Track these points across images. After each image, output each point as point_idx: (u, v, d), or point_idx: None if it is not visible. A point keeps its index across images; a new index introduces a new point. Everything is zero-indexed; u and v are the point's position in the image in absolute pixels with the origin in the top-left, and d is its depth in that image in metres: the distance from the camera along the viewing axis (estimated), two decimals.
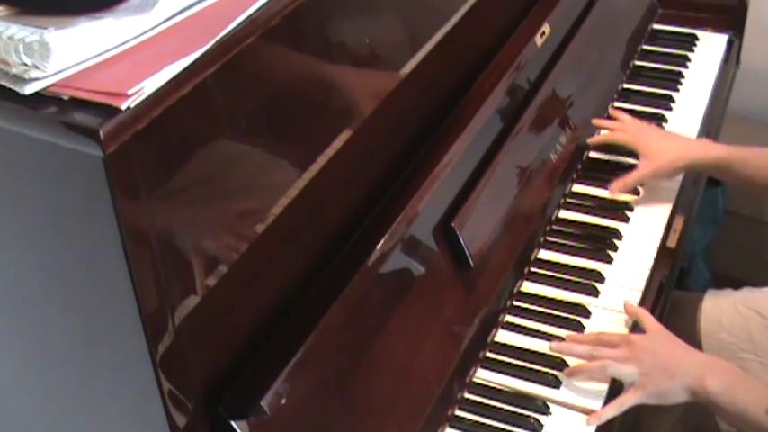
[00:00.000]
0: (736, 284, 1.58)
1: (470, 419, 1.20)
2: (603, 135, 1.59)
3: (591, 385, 1.23)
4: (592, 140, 1.60)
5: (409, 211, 1.16)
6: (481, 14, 1.34)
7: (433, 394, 1.17)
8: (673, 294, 1.52)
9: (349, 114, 1.06)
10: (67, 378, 0.98)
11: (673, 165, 1.50)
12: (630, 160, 1.58)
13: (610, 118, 1.64)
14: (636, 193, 1.54)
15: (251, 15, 0.84)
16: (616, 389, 1.23)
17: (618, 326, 1.32)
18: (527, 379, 1.25)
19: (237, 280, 0.92)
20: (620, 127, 1.58)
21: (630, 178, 1.50)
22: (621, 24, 1.84)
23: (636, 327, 1.30)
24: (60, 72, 0.75)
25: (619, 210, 1.51)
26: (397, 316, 1.14)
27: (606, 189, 1.53)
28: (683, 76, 1.81)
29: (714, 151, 1.50)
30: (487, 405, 1.22)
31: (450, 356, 1.21)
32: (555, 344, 1.27)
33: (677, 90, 1.78)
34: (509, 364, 1.27)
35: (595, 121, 1.61)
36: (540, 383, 1.24)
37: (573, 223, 1.49)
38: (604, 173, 1.58)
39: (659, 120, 1.70)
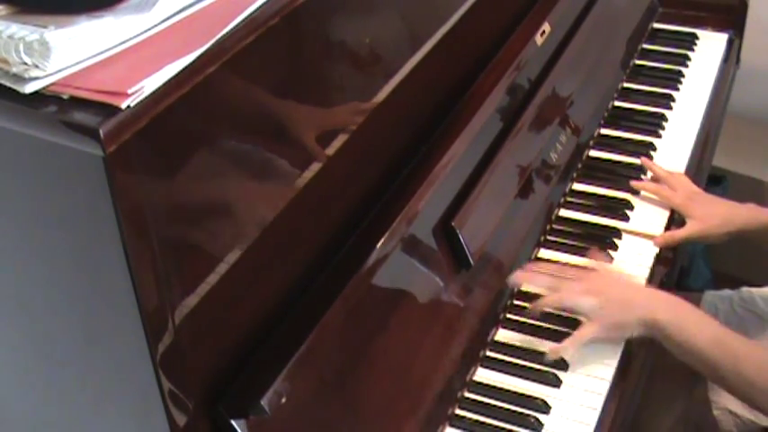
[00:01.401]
0: (737, 284, 1.58)
1: (470, 418, 1.20)
2: (652, 188, 1.54)
3: (591, 385, 1.24)
4: (639, 185, 1.55)
5: (409, 210, 1.16)
6: (481, 14, 1.34)
7: (433, 393, 1.17)
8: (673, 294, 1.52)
9: (349, 113, 1.06)
10: (68, 377, 0.98)
11: (719, 229, 1.48)
12: (632, 159, 1.58)
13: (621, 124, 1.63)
14: (636, 192, 1.54)
15: (251, 14, 0.84)
16: (618, 389, 1.24)
17: None
18: (527, 378, 1.25)
19: (238, 279, 0.92)
20: (670, 188, 1.53)
21: (678, 235, 1.47)
22: (622, 23, 1.84)
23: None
24: (60, 71, 0.75)
25: (619, 209, 1.51)
26: (397, 315, 1.15)
27: (606, 188, 1.54)
28: (683, 76, 1.81)
29: (763, 215, 1.49)
30: (488, 404, 1.22)
31: (450, 355, 1.21)
32: (517, 273, 1.31)
33: (677, 89, 1.77)
34: (509, 362, 1.27)
35: (644, 161, 1.58)
36: (541, 382, 1.24)
37: (573, 222, 1.49)
38: (604, 172, 1.59)
39: (659, 119, 1.70)
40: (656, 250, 1.45)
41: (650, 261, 1.43)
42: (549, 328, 1.31)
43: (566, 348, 1.24)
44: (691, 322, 1.22)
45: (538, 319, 1.32)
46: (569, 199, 1.53)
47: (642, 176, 1.57)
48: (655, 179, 1.56)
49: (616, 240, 1.46)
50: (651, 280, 1.40)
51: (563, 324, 1.31)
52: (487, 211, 1.31)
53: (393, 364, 1.13)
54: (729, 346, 1.18)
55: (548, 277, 1.29)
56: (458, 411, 1.21)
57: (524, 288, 1.34)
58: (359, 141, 1.07)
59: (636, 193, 1.54)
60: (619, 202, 1.53)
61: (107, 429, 1.01)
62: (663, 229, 1.49)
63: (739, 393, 1.22)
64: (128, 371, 0.89)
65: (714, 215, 1.49)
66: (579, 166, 1.59)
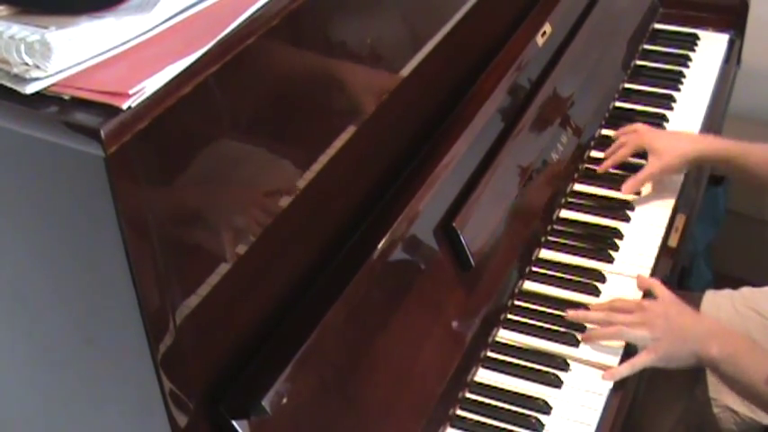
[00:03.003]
0: (738, 284, 1.58)
1: (472, 419, 1.20)
2: (612, 158, 1.57)
3: (592, 386, 1.24)
4: (603, 168, 1.57)
5: (410, 210, 1.16)
6: (482, 14, 1.34)
7: (434, 394, 1.17)
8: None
9: (350, 114, 1.06)
10: (69, 377, 0.98)
11: (681, 158, 1.52)
12: (633, 159, 1.59)
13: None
14: (637, 192, 1.54)
15: (252, 15, 0.84)
16: (618, 389, 1.24)
17: None
18: (528, 378, 1.25)
19: (239, 279, 0.92)
20: (624, 139, 1.58)
21: (641, 175, 1.52)
22: (622, 24, 1.84)
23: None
24: (61, 72, 0.75)
25: (620, 209, 1.51)
26: (398, 315, 1.15)
27: (607, 188, 1.54)
28: (684, 76, 1.81)
29: (721, 143, 1.54)
30: (489, 404, 1.22)
31: (451, 356, 1.21)
32: (572, 312, 1.31)
33: (678, 90, 1.77)
34: (510, 363, 1.27)
35: (606, 162, 1.59)
36: (542, 383, 1.24)
37: (574, 223, 1.49)
38: (605, 172, 1.59)
39: (660, 119, 1.70)
40: (656, 251, 1.44)
41: (651, 262, 1.43)
42: (549, 329, 1.31)
43: (620, 372, 1.24)
44: (745, 358, 1.22)
45: (539, 320, 1.32)
46: (570, 199, 1.53)
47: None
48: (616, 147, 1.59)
49: (617, 241, 1.46)
50: None
51: (563, 324, 1.31)
52: (488, 212, 1.31)
53: (394, 364, 1.13)
54: None
55: (603, 313, 1.30)
56: (459, 412, 1.21)
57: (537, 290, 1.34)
58: (360, 142, 1.07)
59: (637, 193, 1.54)
60: (619, 202, 1.53)
61: (108, 430, 1.01)
62: (663, 229, 1.49)
63: None
64: (129, 371, 0.89)
65: (675, 146, 1.53)
66: (580, 166, 1.58)
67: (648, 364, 1.25)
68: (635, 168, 1.56)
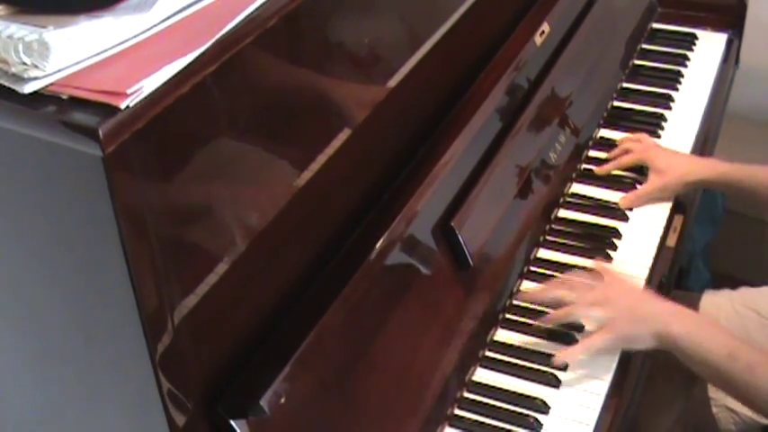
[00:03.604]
0: (736, 284, 1.58)
1: (470, 418, 1.20)
2: (613, 162, 1.58)
3: (590, 385, 1.24)
4: (601, 170, 1.58)
5: (408, 210, 1.16)
6: (480, 14, 1.34)
7: (432, 393, 1.17)
8: (672, 294, 1.52)
9: (348, 113, 1.06)
10: (67, 378, 0.98)
11: (681, 180, 1.52)
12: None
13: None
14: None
15: (250, 15, 0.84)
16: (617, 389, 1.24)
17: None
18: (527, 378, 1.25)
19: (237, 279, 0.92)
20: (629, 146, 1.58)
21: (641, 192, 1.52)
22: (621, 23, 1.84)
23: None
24: (59, 71, 0.75)
25: (618, 209, 1.51)
26: (396, 315, 1.14)
27: (605, 188, 1.54)
28: (682, 76, 1.81)
29: (722, 167, 1.53)
30: (487, 404, 1.22)
31: (449, 355, 1.21)
32: (525, 294, 1.31)
33: (676, 89, 1.78)
34: (509, 363, 1.27)
35: (607, 165, 1.60)
36: (540, 383, 1.24)
37: (573, 222, 1.49)
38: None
39: (658, 119, 1.70)
40: (655, 251, 1.45)
41: (649, 261, 1.43)
42: (548, 328, 1.31)
43: (574, 354, 1.23)
44: (704, 334, 1.21)
45: (538, 320, 1.32)
46: (569, 199, 1.53)
47: (642, 176, 1.58)
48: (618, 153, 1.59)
49: (615, 240, 1.46)
50: (650, 280, 1.40)
51: (562, 324, 1.31)
52: (487, 212, 1.31)
53: (392, 364, 1.13)
54: (743, 356, 1.18)
55: (556, 291, 1.29)
56: (457, 411, 1.21)
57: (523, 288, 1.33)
58: (358, 142, 1.07)
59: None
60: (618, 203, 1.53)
61: (107, 430, 1.01)
62: (662, 229, 1.49)
63: (755, 404, 1.21)
64: (127, 371, 0.89)
65: (675, 167, 1.53)
66: (579, 166, 1.59)
67: (604, 344, 1.23)
68: (634, 170, 1.57)
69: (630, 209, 1.52)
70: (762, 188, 1.49)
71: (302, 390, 0.99)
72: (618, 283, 1.30)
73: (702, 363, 1.20)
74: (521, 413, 1.20)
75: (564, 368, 1.25)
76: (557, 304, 1.28)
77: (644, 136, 1.61)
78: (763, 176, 1.49)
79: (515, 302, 1.35)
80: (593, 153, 1.62)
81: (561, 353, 1.24)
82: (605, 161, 1.60)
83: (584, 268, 1.40)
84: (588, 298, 1.26)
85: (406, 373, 1.14)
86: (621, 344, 1.24)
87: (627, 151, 1.57)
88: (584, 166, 1.59)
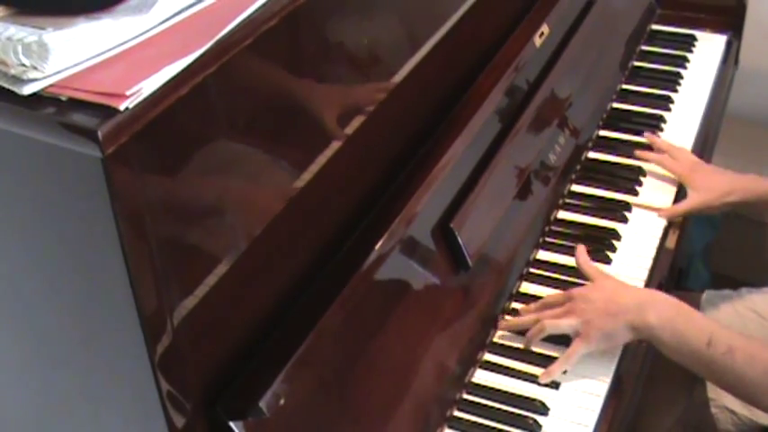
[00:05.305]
0: (735, 285, 1.58)
1: (469, 420, 1.20)
2: (656, 157, 1.58)
3: (590, 387, 1.24)
4: (643, 155, 1.59)
5: (408, 211, 1.16)
6: (480, 15, 1.34)
7: (431, 395, 1.17)
8: (672, 294, 1.52)
9: (348, 114, 1.06)
10: (66, 379, 0.98)
11: (721, 199, 1.51)
12: (631, 161, 1.59)
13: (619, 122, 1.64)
14: (635, 194, 1.54)
15: (249, 16, 0.84)
16: (616, 389, 1.24)
17: None
18: (526, 380, 1.25)
19: (236, 280, 0.92)
20: (673, 159, 1.58)
21: (680, 208, 1.51)
22: (620, 25, 1.84)
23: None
24: (59, 73, 0.75)
25: (617, 210, 1.51)
26: (395, 317, 1.15)
27: (605, 189, 1.54)
28: (681, 77, 1.81)
29: (763, 185, 1.51)
30: (486, 405, 1.22)
31: (448, 357, 1.21)
32: (504, 323, 1.31)
33: (676, 91, 1.78)
34: (507, 364, 1.27)
35: (648, 136, 1.62)
36: (539, 384, 1.24)
37: (572, 224, 1.49)
38: (603, 173, 1.59)
39: (658, 120, 1.70)
40: (654, 253, 1.45)
41: (648, 263, 1.43)
42: None
43: (555, 371, 1.23)
44: (685, 322, 1.20)
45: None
46: (568, 201, 1.53)
47: (641, 177, 1.58)
48: (658, 151, 1.59)
49: (614, 242, 1.46)
50: (649, 281, 1.40)
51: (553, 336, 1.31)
52: (486, 213, 1.31)
53: (391, 365, 1.13)
54: (722, 341, 1.17)
55: (532, 315, 1.28)
56: (456, 413, 1.21)
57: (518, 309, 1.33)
58: (357, 143, 1.07)
59: (635, 194, 1.54)
60: (617, 203, 1.53)
61: (106, 431, 1.01)
62: (661, 231, 1.49)
63: (736, 390, 1.21)
64: (126, 372, 0.89)
65: (716, 186, 1.52)
66: (578, 167, 1.59)
67: (584, 350, 1.22)
68: (634, 171, 1.57)
69: (636, 194, 1.53)
70: None
71: (301, 391, 0.99)
72: (591, 285, 1.29)
73: (682, 350, 1.19)
74: (520, 415, 1.20)
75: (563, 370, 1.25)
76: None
77: (685, 150, 1.60)
78: None
79: (514, 305, 1.35)
80: (592, 154, 1.62)
81: (543, 373, 1.23)
82: (605, 163, 1.60)
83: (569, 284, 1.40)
84: (556, 311, 1.26)
85: (405, 374, 1.14)
86: (601, 344, 1.23)
87: (668, 153, 1.58)
88: (584, 167, 1.59)
